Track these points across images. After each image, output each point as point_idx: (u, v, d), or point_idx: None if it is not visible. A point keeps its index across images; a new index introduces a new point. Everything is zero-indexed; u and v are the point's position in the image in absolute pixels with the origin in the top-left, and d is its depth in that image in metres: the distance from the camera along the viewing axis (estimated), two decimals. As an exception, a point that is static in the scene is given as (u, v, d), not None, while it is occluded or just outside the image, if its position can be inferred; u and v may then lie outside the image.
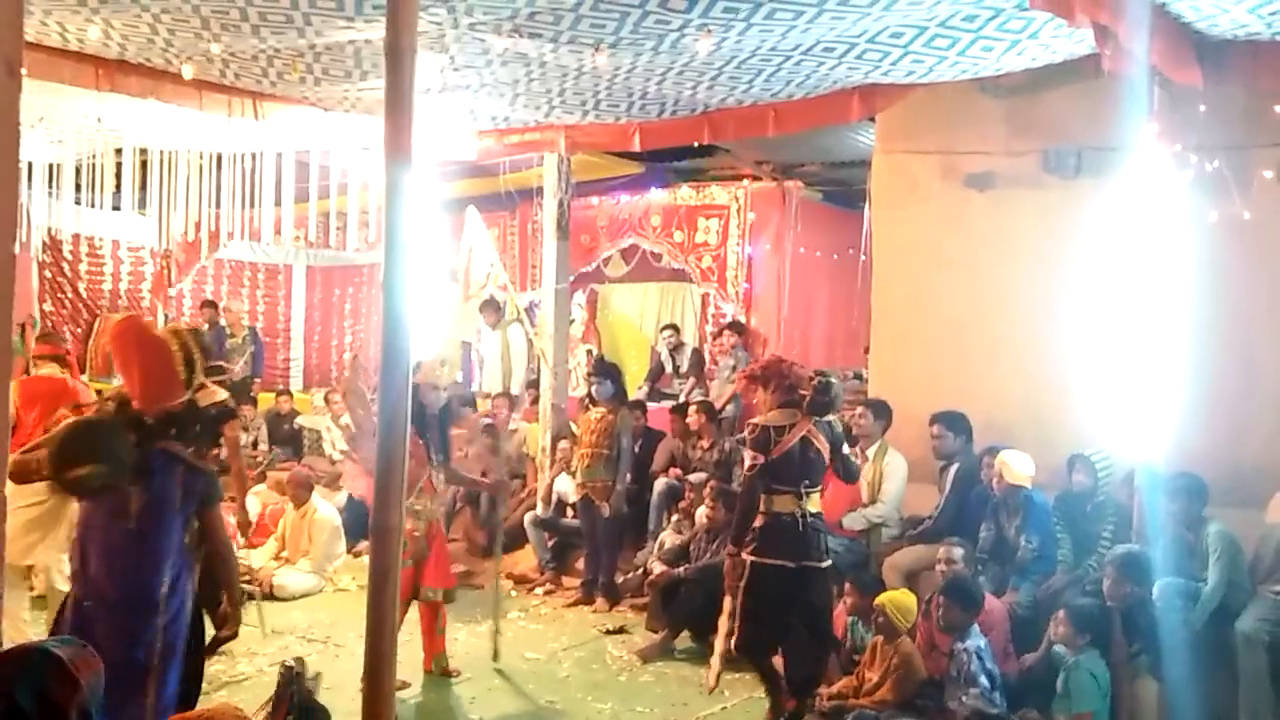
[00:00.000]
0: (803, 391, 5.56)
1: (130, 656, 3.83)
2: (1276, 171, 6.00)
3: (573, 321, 11.16)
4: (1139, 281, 5.92)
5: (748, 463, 5.57)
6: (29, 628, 5.59)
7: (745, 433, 5.80)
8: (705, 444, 8.41)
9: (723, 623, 5.67)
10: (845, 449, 5.82)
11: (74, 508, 6.31)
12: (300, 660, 3.30)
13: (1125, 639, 5.39)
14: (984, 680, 5.33)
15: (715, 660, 5.78)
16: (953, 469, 6.77)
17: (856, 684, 5.80)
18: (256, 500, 8.95)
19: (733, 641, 5.56)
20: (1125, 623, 5.40)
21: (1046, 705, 5.40)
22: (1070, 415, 6.74)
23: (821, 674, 5.74)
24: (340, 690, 4.77)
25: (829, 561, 5.63)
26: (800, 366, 5.83)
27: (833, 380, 5.60)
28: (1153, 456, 5.88)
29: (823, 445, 5.54)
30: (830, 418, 5.64)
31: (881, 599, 5.81)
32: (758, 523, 5.48)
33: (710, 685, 5.84)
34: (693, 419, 8.52)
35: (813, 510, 5.52)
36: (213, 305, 13.23)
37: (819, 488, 5.63)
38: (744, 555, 5.49)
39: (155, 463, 3.94)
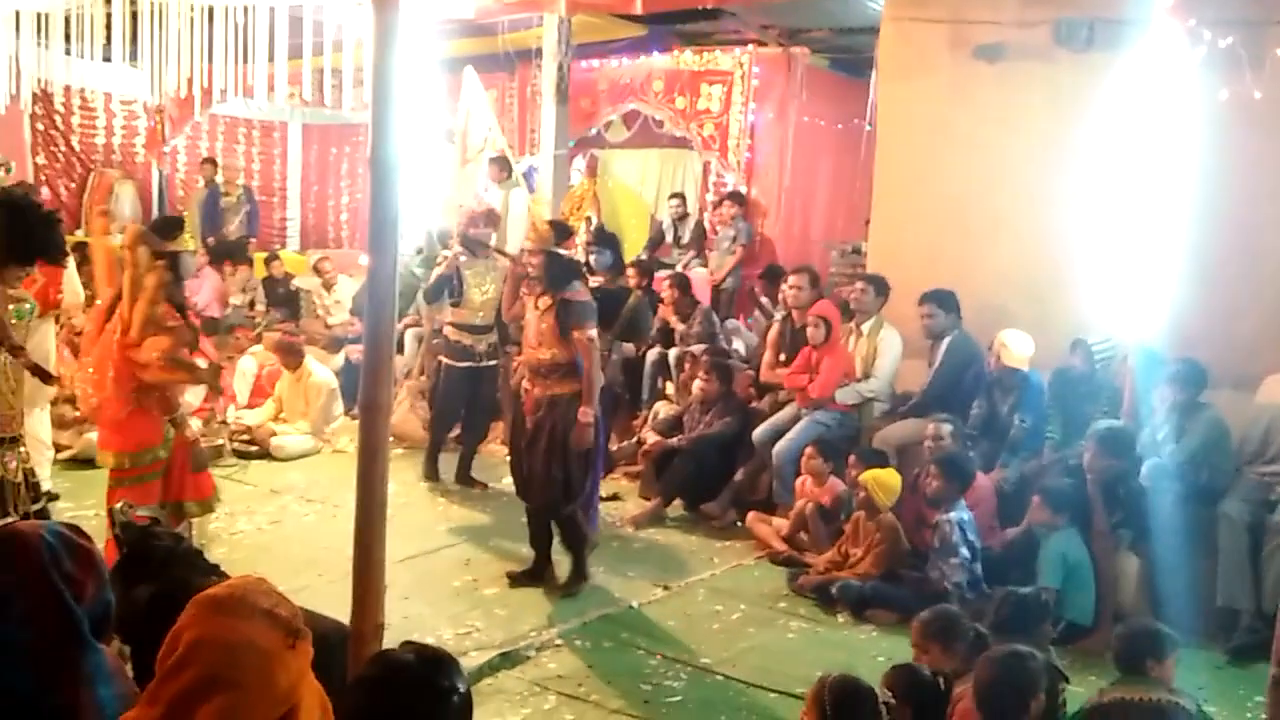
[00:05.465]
0: None
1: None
2: (1292, 50, 5.85)
3: (572, 187, 11.01)
4: (1145, 161, 5.83)
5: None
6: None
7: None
8: (680, 317, 8.32)
9: None
10: None
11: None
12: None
13: (1106, 513, 5.47)
14: (964, 551, 5.42)
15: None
16: (944, 344, 6.75)
17: (841, 558, 5.89)
18: (254, 361, 8.97)
19: None
20: (1106, 497, 5.47)
21: (1028, 580, 5.51)
22: (1070, 295, 6.70)
23: None
24: (338, 550, 4.84)
25: None
26: None
27: None
28: (1150, 338, 5.89)
29: None
30: None
31: (865, 476, 5.84)
32: None
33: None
34: (666, 293, 8.43)
35: None
36: (212, 163, 13.07)
37: None
38: None
39: None
